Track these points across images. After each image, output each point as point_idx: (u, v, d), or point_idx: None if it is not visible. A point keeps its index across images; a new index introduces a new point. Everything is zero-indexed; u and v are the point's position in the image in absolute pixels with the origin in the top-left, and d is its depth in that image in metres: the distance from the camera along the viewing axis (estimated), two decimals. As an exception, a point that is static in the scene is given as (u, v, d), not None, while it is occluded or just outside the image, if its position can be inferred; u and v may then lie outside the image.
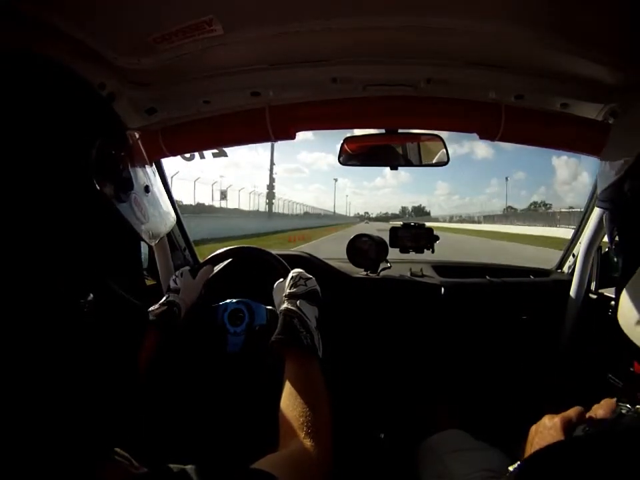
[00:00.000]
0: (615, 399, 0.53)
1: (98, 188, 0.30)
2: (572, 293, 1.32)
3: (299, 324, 0.66)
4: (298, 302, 0.72)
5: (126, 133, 0.39)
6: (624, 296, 0.49)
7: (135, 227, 0.35)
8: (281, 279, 0.83)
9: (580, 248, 1.30)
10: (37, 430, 0.26)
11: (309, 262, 1.35)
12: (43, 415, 0.26)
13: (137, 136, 0.42)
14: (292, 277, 0.79)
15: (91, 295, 0.28)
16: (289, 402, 0.55)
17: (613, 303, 1.17)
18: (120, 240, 0.34)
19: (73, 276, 0.28)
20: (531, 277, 1.49)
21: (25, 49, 0.31)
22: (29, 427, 0.25)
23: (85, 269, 0.29)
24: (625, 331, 0.49)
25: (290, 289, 0.76)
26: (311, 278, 0.80)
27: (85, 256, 0.29)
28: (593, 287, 1.30)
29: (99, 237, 0.31)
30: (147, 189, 0.39)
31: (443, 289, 1.36)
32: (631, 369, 0.54)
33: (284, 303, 0.73)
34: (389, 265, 1.45)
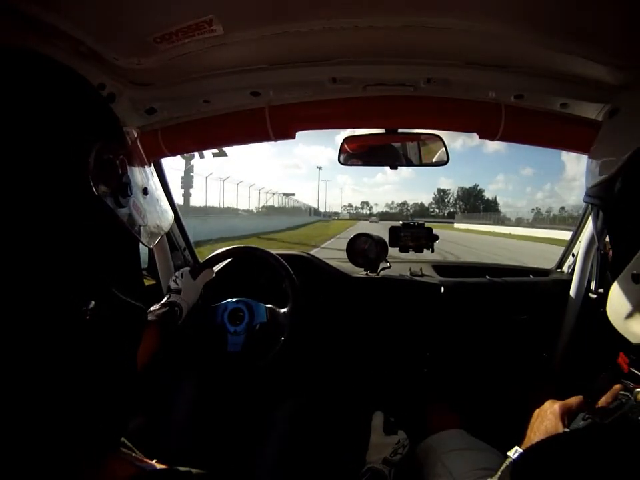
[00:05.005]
0: (615, 386, 0.53)
1: (97, 193, 0.30)
2: (572, 292, 1.32)
3: None
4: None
5: (125, 134, 0.38)
6: (613, 291, 0.50)
7: (134, 231, 0.35)
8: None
9: (580, 247, 1.30)
10: (36, 428, 0.26)
11: (308, 262, 1.35)
12: (41, 414, 0.26)
13: (136, 135, 0.41)
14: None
15: (93, 302, 0.28)
16: None
17: None
18: (119, 244, 0.34)
19: (74, 283, 0.28)
20: (531, 276, 1.49)
21: (23, 48, 0.30)
22: (27, 426, 0.25)
23: (85, 275, 0.29)
24: (614, 324, 0.50)
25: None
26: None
27: (85, 262, 0.29)
28: (592, 286, 1.30)
29: (98, 242, 0.31)
30: (145, 190, 0.39)
31: (442, 289, 1.36)
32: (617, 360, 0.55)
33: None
34: (388, 264, 1.45)
